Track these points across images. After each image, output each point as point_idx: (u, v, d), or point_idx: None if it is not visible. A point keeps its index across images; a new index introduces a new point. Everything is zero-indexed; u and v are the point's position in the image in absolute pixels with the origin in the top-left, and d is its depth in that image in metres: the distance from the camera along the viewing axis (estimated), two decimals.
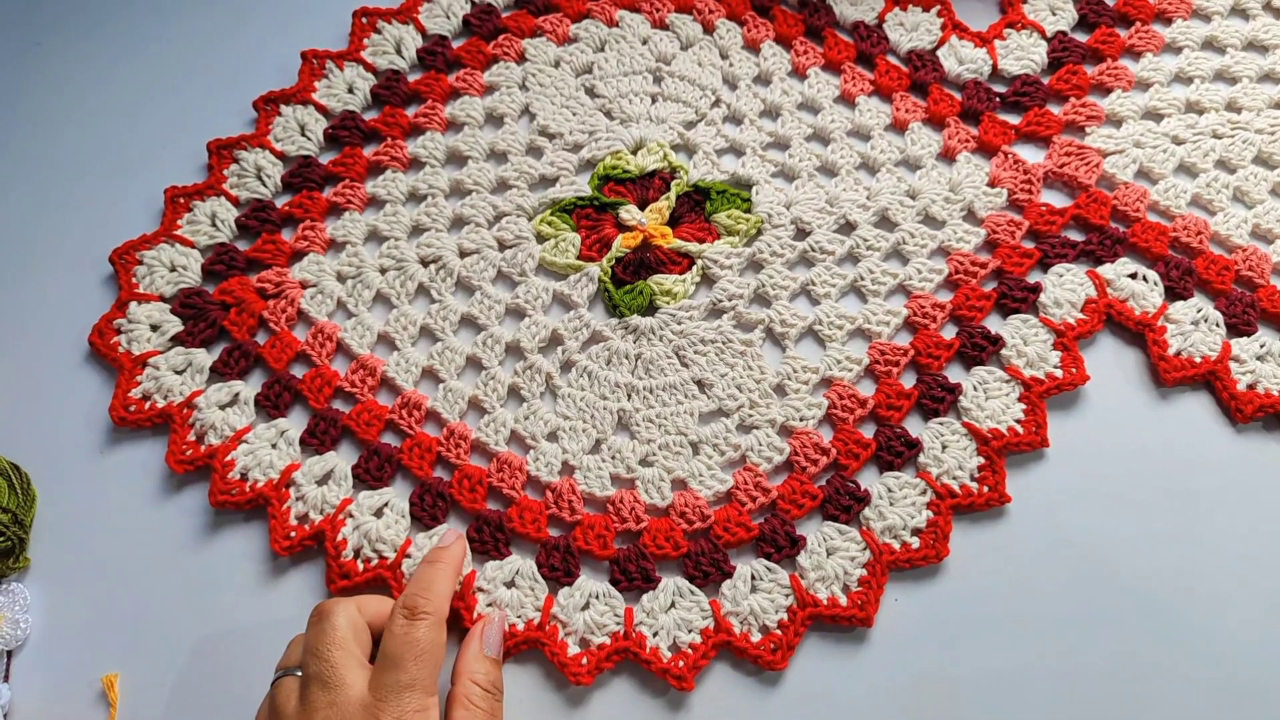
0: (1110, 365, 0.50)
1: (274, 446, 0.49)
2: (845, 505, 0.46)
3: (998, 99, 0.57)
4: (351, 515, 0.47)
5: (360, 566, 0.46)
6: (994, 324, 0.51)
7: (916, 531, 0.45)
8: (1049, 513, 0.47)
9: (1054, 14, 0.60)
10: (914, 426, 0.48)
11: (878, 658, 0.44)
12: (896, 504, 0.46)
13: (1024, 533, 0.46)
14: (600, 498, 0.47)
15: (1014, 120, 0.56)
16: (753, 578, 0.45)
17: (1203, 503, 0.47)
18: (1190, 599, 0.45)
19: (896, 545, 0.45)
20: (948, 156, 0.56)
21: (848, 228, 0.54)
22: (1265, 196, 0.53)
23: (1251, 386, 0.48)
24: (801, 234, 0.54)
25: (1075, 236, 0.53)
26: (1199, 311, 0.50)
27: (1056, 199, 0.54)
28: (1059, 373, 0.48)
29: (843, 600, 0.44)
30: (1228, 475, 0.47)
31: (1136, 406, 0.49)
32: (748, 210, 0.54)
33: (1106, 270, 0.51)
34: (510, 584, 0.45)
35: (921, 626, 0.44)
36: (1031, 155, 0.56)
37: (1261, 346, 0.49)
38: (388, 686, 0.37)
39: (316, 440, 0.48)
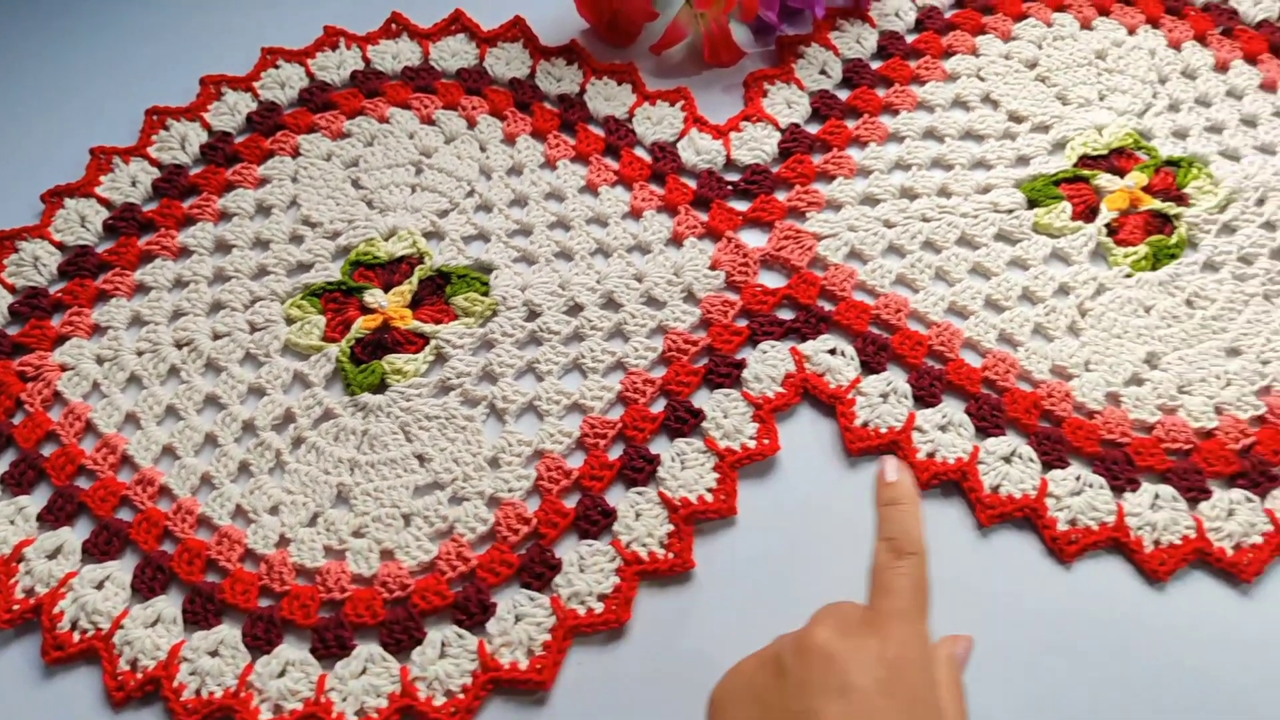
0: (807, 436, 0.53)
1: (11, 523, 0.51)
2: (538, 573, 0.49)
3: (729, 187, 0.62)
4: (72, 588, 0.49)
5: (76, 637, 0.48)
6: (703, 398, 0.55)
7: (602, 597, 0.48)
8: (733, 577, 0.49)
9: (789, 107, 0.65)
10: (618, 496, 0.52)
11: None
12: (586, 570, 0.49)
13: (709, 596, 0.49)
14: (311, 568, 0.50)
15: (743, 207, 0.61)
16: (443, 644, 0.47)
17: None
18: None
19: (581, 610, 0.48)
20: (677, 241, 0.60)
21: (576, 309, 0.58)
22: (964, 275, 0.57)
23: (931, 455, 0.51)
24: (533, 315, 0.57)
25: (788, 315, 0.57)
26: (889, 384, 0.54)
27: (776, 280, 0.59)
28: (752, 443, 0.52)
29: (523, 664, 0.47)
30: None
31: (827, 475, 0.52)
32: (485, 293, 0.58)
33: (806, 347, 0.55)
34: (214, 653, 0.47)
35: (604, 688, 0.47)
36: (757, 239, 0.60)
37: (943, 417, 0.52)
38: (887, 613, 0.38)
39: (53, 516, 0.51)
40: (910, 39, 0.69)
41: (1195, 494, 0.50)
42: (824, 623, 0.38)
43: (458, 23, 0.70)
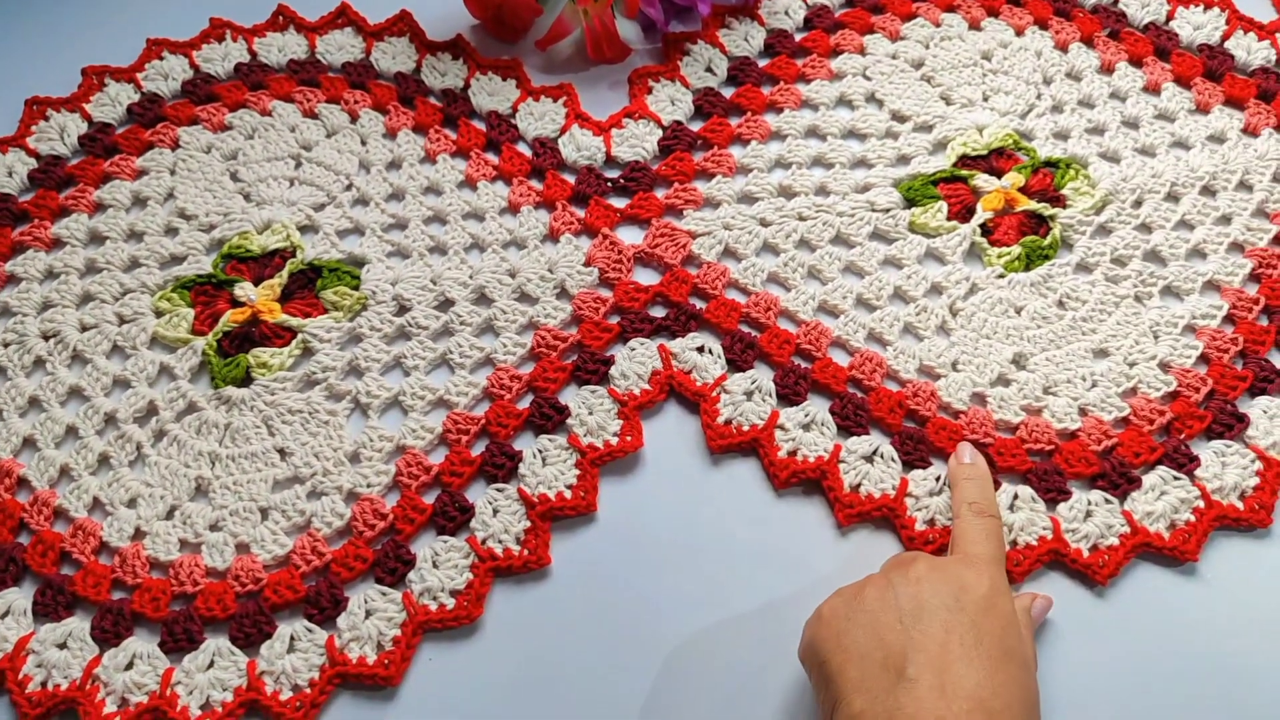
0: (672, 434, 0.53)
1: None
2: (391, 568, 0.48)
3: (608, 183, 0.61)
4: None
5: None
6: (571, 395, 0.55)
7: (455, 593, 0.48)
8: (591, 575, 0.49)
9: (673, 104, 0.64)
10: (478, 492, 0.51)
11: (408, 715, 0.46)
12: (440, 566, 0.48)
13: (565, 594, 0.49)
14: (164, 561, 0.49)
15: (622, 204, 0.61)
16: (292, 639, 0.47)
17: (743, 562, 0.49)
18: (722, 651, 0.47)
19: (433, 606, 0.47)
20: (553, 237, 0.60)
21: (447, 304, 0.57)
22: (836, 274, 0.57)
23: (792, 453, 0.51)
24: (403, 310, 0.57)
25: (660, 312, 0.57)
26: (753, 383, 0.53)
27: (651, 277, 0.58)
28: (615, 440, 0.52)
29: (371, 658, 0.46)
30: (766, 537, 0.50)
31: (690, 473, 0.52)
32: (355, 287, 0.58)
33: (675, 344, 0.54)
34: (62, 645, 0.47)
35: (454, 685, 0.46)
36: (635, 236, 0.60)
37: (806, 415, 0.52)
38: (977, 556, 0.44)
39: None
40: (799, 37, 0.68)
41: (1055, 495, 0.50)
42: (920, 560, 0.43)
43: (344, 16, 0.69)
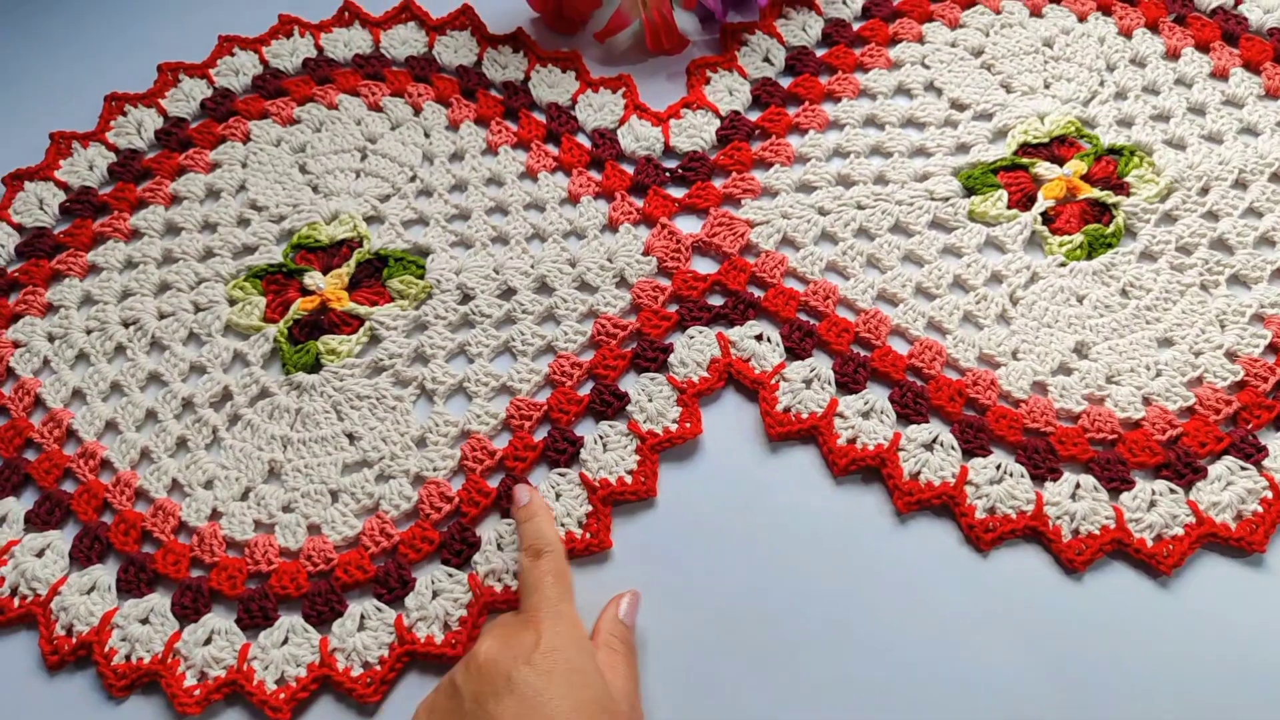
0: (731, 422, 0.54)
1: None
2: (457, 550, 0.50)
3: (666, 173, 0.62)
4: (13, 555, 0.51)
5: (15, 603, 0.50)
6: (630, 382, 0.55)
7: (518, 575, 0.49)
8: (651, 559, 0.50)
9: (731, 94, 0.65)
10: (541, 477, 0.53)
11: None
12: (505, 549, 0.50)
13: (626, 576, 0.50)
14: (240, 541, 0.51)
15: (680, 193, 0.61)
16: (362, 617, 0.48)
17: (801, 549, 0.50)
18: (796, 636, 0.47)
19: (499, 588, 0.49)
20: (612, 227, 0.61)
21: (509, 293, 0.58)
22: (895, 263, 0.57)
23: (851, 441, 0.51)
24: (467, 299, 0.58)
25: (718, 301, 0.57)
26: (812, 370, 0.54)
27: (709, 266, 0.59)
28: (674, 427, 0.52)
29: (439, 638, 0.48)
30: (824, 524, 0.50)
31: (748, 460, 0.52)
32: (420, 276, 0.59)
33: (733, 332, 0.55)
34: (145, 620, 0.49)
35: None
36: (693, 226, 0.60)
37: (866, 403, 0.53)
38: (536, 608, 0.44)
39: None
40: (856, 26, 0.68)
41: (1117, 484, 0.49)
42: (487, 636, 0.43)
43: (408, 11, 0.71)
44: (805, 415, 0.52)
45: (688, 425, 0.52)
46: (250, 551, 0.50)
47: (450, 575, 0.49)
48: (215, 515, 0.52)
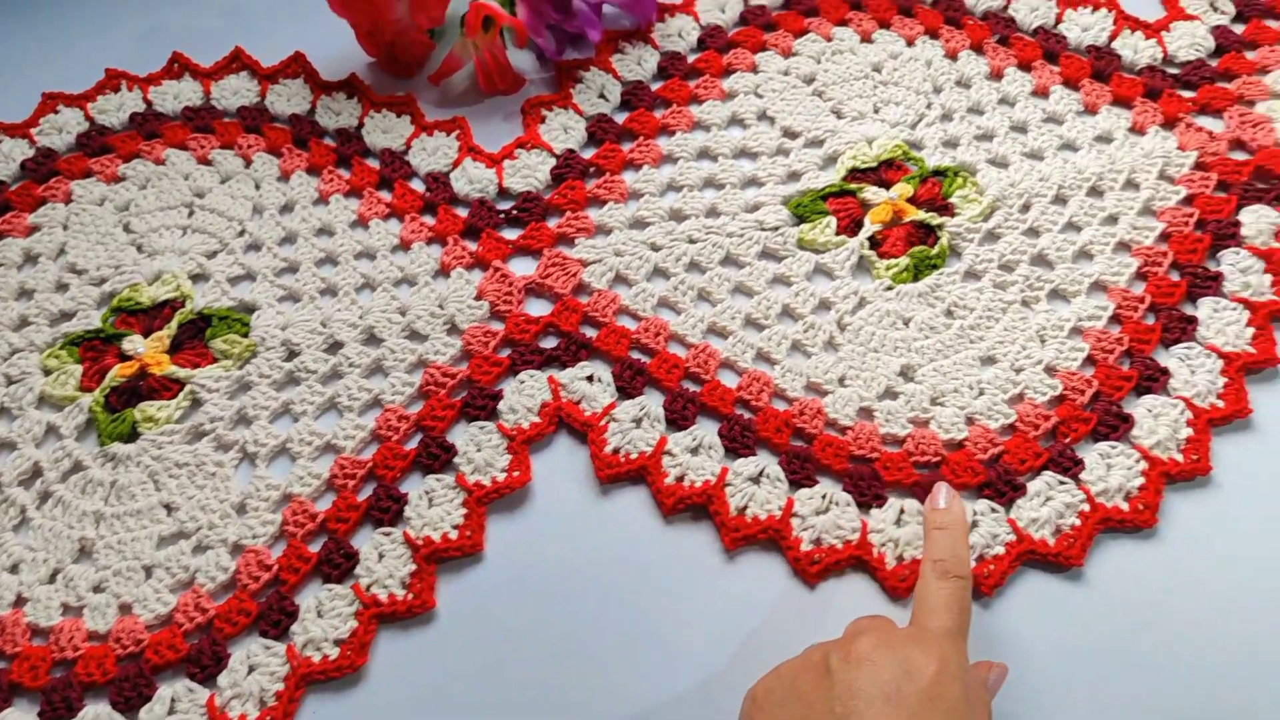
0: (563, 466, 0.53)
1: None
2: (275, 620, 0.48)
3: (500, 215, 0.61)
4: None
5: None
6: (460, 432, 0.54)
7: (339, 642, 0.47)
8: (479, 615, 0.48)
9: (566, 132, 0.64)
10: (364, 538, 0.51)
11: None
12: (325, 616, 0.48)
13: (452, 636, 0.48)
14: (45, 628, 0.48)
15: (514, 235, 0.61)
16: (173, 700, 0.45)
17: (630, 594, 0.48)
18: (625, 682, 0.46)
19: (316, 657, 0.47)
20: (445, 273, 0.60)
21: (336, 346, 0.57)
22: (725, 296, 0.57)
23: (679, 479, 0.51)
24: (292, 355, 0.57)
25: (552, 343, 0.56)
26: (642, 409, 0.53)
27: (543, 308, 0.58)
28: (503, 476, 0.51)
29: (252, 717, 0.45)
30: (655, 566, 0.49)
31: (578, 504, 0.51)
32: (245, 334, 0.57)
33: (564, 374, 0.54)
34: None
35: None
36: (528, 267, 0.59)
37: (694, 440, 0.52)
38: (933, 630, 0.41)
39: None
40: (692, 59, 0.68)
41: (1005, 503, 0.49)
42: (868, 633, 0.41)
43: (238, 60, 0.70)
44: (634, 455, 0.51)
45: (516, 474, 0.51)
46: (56, 638, 0.48)
47: (267, 648, 0.47)
48: (20, 601, 0.49)
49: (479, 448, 0.52)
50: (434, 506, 0.51)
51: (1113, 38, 0.69)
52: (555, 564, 0.50)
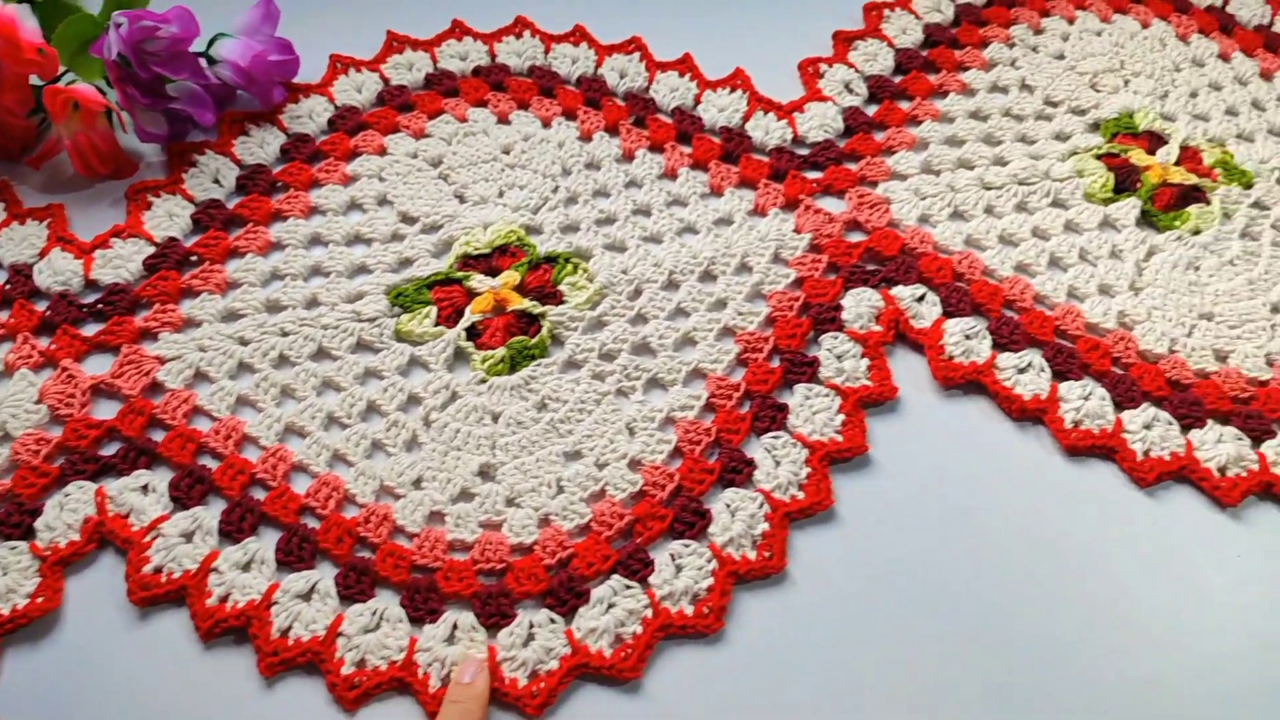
0: (105, 588, 0.47)
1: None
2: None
3: (83, 310, 0.56)
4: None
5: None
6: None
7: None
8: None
9: (171, 219, 0.60)
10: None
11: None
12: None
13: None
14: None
15: (92, 332, 0.56)
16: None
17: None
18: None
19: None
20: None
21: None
22: (309, 393, 0.54)
23: (223, 600, 0.46)
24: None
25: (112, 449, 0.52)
26: (194, 522, 0.48)
27: (110, 411, 0.53)
28: (23, 603, 0.46)
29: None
30: (187, 704, 0.45)
31: (110, 632, 0.46)
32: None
33: (114, 486, 0.49)
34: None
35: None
36: (102, 366, 0.55)
37: (245, 554, 0.47)
38: None
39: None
40: (319, 140, 0.66)
41: (497, 620, 0.46)
42: None
43: None
44: (178, 575, 0.47)
45: (40, 600, 0.47)
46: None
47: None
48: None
49: (5, 570, 0.47)
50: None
51: (746, 119, 0.70)
52: (76, 705, 0.44)
